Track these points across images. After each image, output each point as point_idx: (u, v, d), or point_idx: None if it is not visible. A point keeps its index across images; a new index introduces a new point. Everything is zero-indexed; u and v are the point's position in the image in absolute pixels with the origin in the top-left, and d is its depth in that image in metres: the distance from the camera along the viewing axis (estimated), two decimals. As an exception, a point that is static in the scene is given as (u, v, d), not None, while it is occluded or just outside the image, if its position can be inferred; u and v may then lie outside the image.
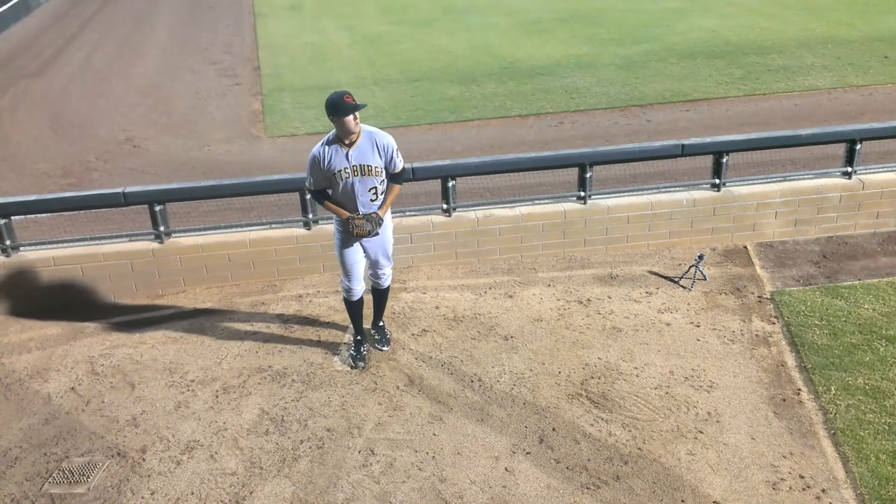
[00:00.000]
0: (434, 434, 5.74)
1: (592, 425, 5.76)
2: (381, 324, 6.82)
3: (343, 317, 7.19)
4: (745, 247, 8.33)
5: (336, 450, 5.63)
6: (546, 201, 8.26)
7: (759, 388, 6.11)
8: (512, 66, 16.60)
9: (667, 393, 6.07)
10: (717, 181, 8.26)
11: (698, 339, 6.74)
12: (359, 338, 6.62)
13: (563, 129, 12.83)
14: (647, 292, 7.51)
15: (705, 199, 8.24)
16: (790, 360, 6.43)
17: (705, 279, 7.64)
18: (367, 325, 6.79)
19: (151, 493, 5.32)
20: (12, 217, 7.64)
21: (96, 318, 7.51)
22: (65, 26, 24.48)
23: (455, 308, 7.35)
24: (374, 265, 6.41)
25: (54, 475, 5.53)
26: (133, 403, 6.24)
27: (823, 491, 5.13)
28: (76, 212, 7.98)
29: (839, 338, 6.64)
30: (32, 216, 7.98)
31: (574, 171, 8.14)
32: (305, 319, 7.29)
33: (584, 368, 6.39)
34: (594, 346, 6.68)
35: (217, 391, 6.33)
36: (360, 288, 6.41)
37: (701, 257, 7.61)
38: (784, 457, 5.41)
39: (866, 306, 7.09)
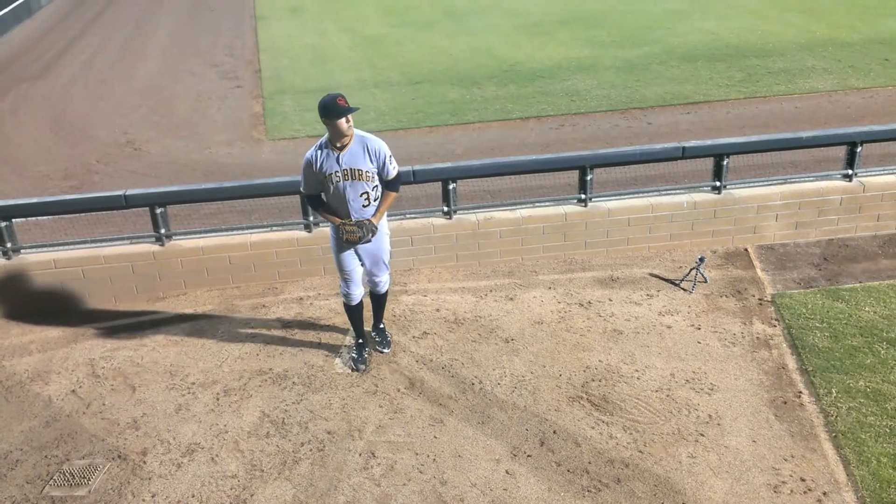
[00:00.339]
0: (435, 437, 5.74)
1: (593, 428, 5.76)
2: (381, 326, 6.82)
3: (344, 319, 7.18)
4: (746, 249, 8.33)
5: (337, 452, 5.63)
6: (547, 204, 8.26)
7: (760, 390, 6.10)
8: (513, 69, 16.62)
9: (668, 396, 6.06)
10: (718, 184, 8.26)
11: (699, 342, 6.73)
12: (360, 341, 6.62)
13: (564, 131, 12.84)
14: (647, 295, 7.50)
15: (706, 202, 8.24)
16: (791, 362, 6.43)
17: (706, 282, 7.64)
18: (367, 327, 6.80)
19: (152, 496, 5.32)
20: (13, 219, 7.65)
21: (97, 321, 7.52)
22: (66, 28, 24.52)
23: (456, 311, 7.35)
24: (369, 273, 6.40)
25: (55, 478, 5.53)
26: (134, 406, 6.24)
27: (825, 494, 5.12)
28: (77, 214, 8.00)
29: (840, 340, 6.64)
30: (33, 219, 8.00)
31: (575, 174, 8.15)
32: (306, 322, 7.29)
33: (584, 371, 6.39)
34: (595, 348, 6.68)
35: (218, 394, 6.33)
36: (358, 292, 6.41)
37: (702, 260, 7.61)
38: (785, 460, 5.41)
39: (867, 309, 7.09)
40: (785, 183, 8.44)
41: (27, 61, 20.25)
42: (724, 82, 14.93)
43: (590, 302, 7.42)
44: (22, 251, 7.73)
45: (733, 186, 8.36)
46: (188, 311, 7.60)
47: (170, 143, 13.40)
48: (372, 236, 6.07)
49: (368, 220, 6.01)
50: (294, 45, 20.34)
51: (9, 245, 7.62)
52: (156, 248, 7.77)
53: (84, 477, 5.52)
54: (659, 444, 5.58)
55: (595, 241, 8.23)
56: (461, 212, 8.13)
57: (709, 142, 8.47)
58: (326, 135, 5.89)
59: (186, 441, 5.81)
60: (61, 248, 7.80)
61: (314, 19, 23.94)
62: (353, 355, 6.59)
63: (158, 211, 7.67)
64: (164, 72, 18.55)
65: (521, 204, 8.24)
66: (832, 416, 5.78)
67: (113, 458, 5.67)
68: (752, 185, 8.42)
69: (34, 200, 7.98)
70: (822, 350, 6.52)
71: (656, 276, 7.84)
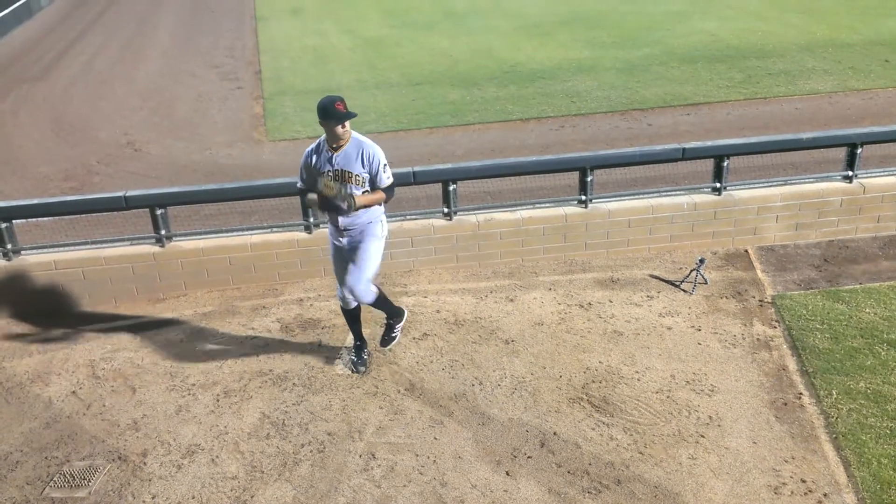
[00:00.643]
0: (435, 438, 5.74)
1: (594, 429, 5.76)
2: (359, 343, 6.64)
3: (343, 320, 7.18)
4: (747, 250, 8.33)
5: (337, 454, 5.63)
6: (547, 205, 8.27)
7: (760, 392, 6.10)
8: (513, 70, 16.62)
9: (668, 397, 6.06)
10: (718, 185, 8.26)
11: (699, 343, 6.73)
12: (358, 343, 6.61)
13: (564, 132, 12.84)
14: (648, 296, 7.50)
15: (706, 203, 8.24)
16: (791, 363, 6.43)
17: (706, 283, 7.64)
18: (367, 329, 6.79)
19: (152, 497, 5.32)
20: (14, 220, 7.65)
21: (97, 322, 7.52)
22: (67, 30, 24.53)
23: (456, 312, 7.35)
24: (346, 281, 6.12)
25: (55, 479, 5.53)
26: (134, 407, 6.24)
27: (825, 495, 5.12)
28: (77, 215, 8.00)
29: (840, 342, 6.63)
30: (34, 220, 8.00)
31: (575, 175, 8.15)
32: (306, 323, 7.29)
33: (585, 372, 6.38)
34: (595, 349, 6.68)
35: (218, 395, 6.33)
36: (351, 297, 6.36)
37: (702, 261, 7.61)
38: (786, 461, 5.40)
39: (867, 310, 7.08)
40: (785, 184, 8.44)
41: (28, 62, 20.26)
42: (725, 83, 14.93)
43: (590, 303, 7.42)
44: (22, 252, 7.73)
45: (733, 188, 8.36)
46: (188, 312, 7.60)
47: (170, 144, 13.40)
48: (346, 205, 5.74)
49: (352, 194, 5.78)
50: (294, 46, 20.34)
51: (9, 246, 7.62)
52: (156, 249, 7.77)
53: (84, 478, 5.51)
54: (659, 445, 5.58)
55: (595, 243, 8.23)
56: (461, 213, 8.14)
57: (709, 143, 8.48)
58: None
59: (187, 442, 5.81)
60: (62, 249, 7.80)
61: (314, 20, 23.95)
62: (353, 358, 6.59)
63: (159, 212, 7.67)
64: (164, 73, 18.56)
65: (522, 205, 8.24)
66: (833, 417, 5.77)
67: (113, 460, 5.67)
68: (752, 186, 8.42)
69: (35, 201, 7.99)
70: (822, 351, 6.52)
71: (657, 278, 7.84)
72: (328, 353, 6.79)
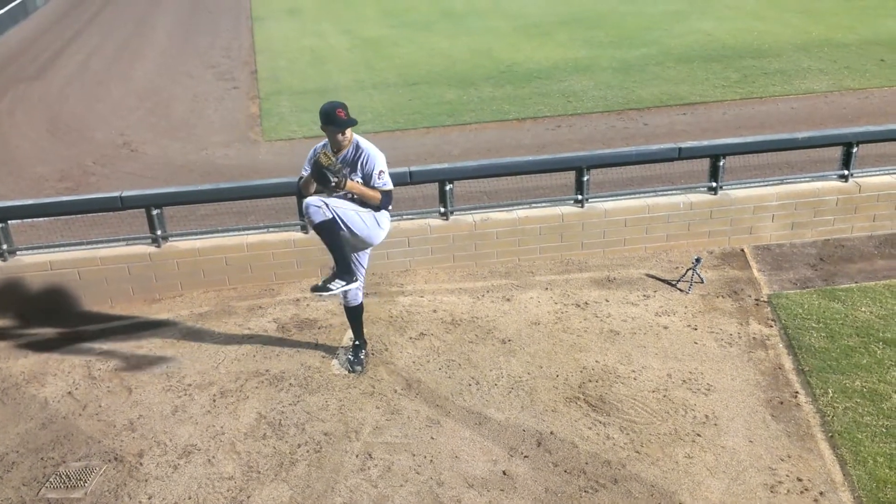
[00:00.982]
0: (432, 437, 5.74)
1: (590, 428, 5.76)
2: (356, 343, 6.61)
3: (342, 320, 7.18)
4: (742, 250, 8.34)
5: (334, 454, 5.63)
6: (543, 205, 8.27)
7: (756, 390, 6.11)
8: (510, 70, 16.63)
9: (664, 396, 6.07)
10: (714, 184, 8.27)
11: (696, 343, 6.74)
12: (357, 343, 6.61)
13: (561, 132, 12.85)
14: (644, 295, 7.51)
15: (702, 203, 8.25)
16: (787, 362, 6.43)
17: (702, 282, 7.65)
18: (367, 328, 6.78)
19: (149, 498, 5.31)
20: (9, 221, 7.63)
21: (93, 323, 7.51)
22: (62, 30, 24.49)
23: (453, 311, 7.35)
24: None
25: (51, 480, 5.52)
26: (130, 408, 6.23)
27: (821, 494, 5.13)
28: (73, 216, 7.98)
29: (836, 341, 6.65)
30: (29, 220, 7.98)
31: (571, 175, 8.15)
32: (303, 323, 7.28)
33: (581, 372, 6.39)
34: (592, 349, 6.68)
35: (214, 395, 6.32)
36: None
37: (698, 260, 7.62)
38: (782, 459, 5.41)
39: (863, 309, 7.10)
40: (781, 183, 8.46)
41: (24, 62, 20.23)
42: (721, 83, 14.96)
43: (586, 303, 7.42)
44: (18, 253, 7.71)
45: (729, 187, 8.37)
46: (184, 312, 7.59)
47: (166, 144, 13.38)
48: (335, 180, 5.55)
49: (347, 175, 5.64)
50: (291, 47, 20.33)
51: (4, 247, 7.60)
52: (152, 249, 7.76)
53: (80, 479, 5.50)
54: (656, 444, 5.58)
55: (592, 242, 8.23)
56: (458, 213, 8.14)
57: (705, 142, 8.49)
58: None
59: (183, 443, 5.80)
60: (57, 249, 7.79)
61: (312, 21, 23.94)
62: (350, 357, 6.59)
63: (155, 212, 7.66)
64: (161, 73, 18.54)
65: (518, 205, 8.25)
66: (829, 416, 5.78)
67: (109, 460, 5.66)
68: (748, 185, 8.44)
69: (30, 202, 7.97)
70: (818, 350, 6.53)
71: (653, 277, 7.85)
72: (325, 353, 6.79)
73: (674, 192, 8.42)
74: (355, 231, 5.85)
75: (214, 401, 6.25)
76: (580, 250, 8.25)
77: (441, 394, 6.20)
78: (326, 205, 5.69)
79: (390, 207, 5.98)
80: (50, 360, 6.92)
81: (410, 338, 6.95)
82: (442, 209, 8.06)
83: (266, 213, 8.58)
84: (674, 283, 7.70)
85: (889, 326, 6.80)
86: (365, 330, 6.74)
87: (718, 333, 6.86)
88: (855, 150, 8.31)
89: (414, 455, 5.58)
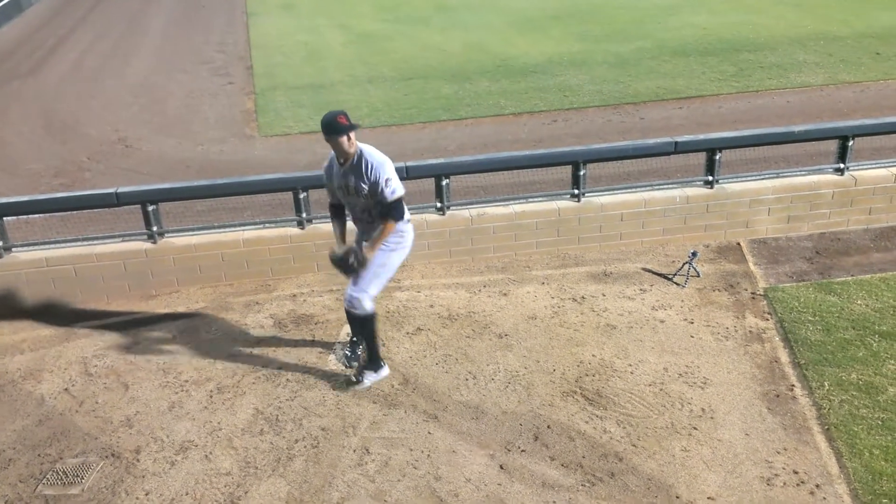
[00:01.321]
0: (429, 432, 5.74)
1: (587, 423, 5.77)
2: (353, 339, 6.54)
3: (337, 316, 7.19)
4: (739, 243, 8.35)
5: (331, 449, 5.63)
6: (540, 199, 8.27)
7: (752, 384, 6.12)
8: (505, 65, 16.60)
9: (661, 390, 6.08)
10: (711, 178, 8.28)
11: (692, 336, 6.75)
12: (354, 339, 6.60)
13: (557, 126, 12.84)
14: (640, 289, 7.52)
15: (698, 196, 8.26)
16: (784, 356, 6.45)
17: (699, 276, 7.66)
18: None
19: (146, 494, 5.31)
20: (5, 218, 7.60)
21: (89, 319, 7.49)
22: (57, 26, 24.38)
23: (449, 306, 7.35)
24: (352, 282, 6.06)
25: (48, 476, 5.51)
26: (127, 404, 6.23)
27: (817, 486, 5.15)
28: (69, 212, 7.95)
29: (832, 334, 6.66)
30: (25, 217, 7.95)
31: (568, 169, 8.15)
32: (300, 319, 7.28)
33: (578, 366, 6.40)
34: (588, 343, 6.69)
35: (211, 391, 6.32)
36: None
37: (694, 254, 7.63)
38: (778, 452, 5.43)
39: (859, 302, 7.12)
40: (777, 177, 8.47)
41: (18, 59, 20.14)
42: (716, 77, 14.96)
43: (583, 297, 7.43)
44: (13, 249, 7.69)
45: (726, 181, 8.38)
46: (181, 308, 7.58)
47: (162, 140, 13.34)
48: (358, 266, 5.74)
49: (358, 250, 5.74)
50: (286, 42, 20.27)
51: (0, 243, 7.58)
52: (148, 245, 7.75)
53: (77, 475, 5.50)
54: (652, 437, 5.60)
55: (588, 237, 8.24)
56: (454, 207, 8.13)
57: (701, 136, 8.48)
58: None
59: (180, 439, 5.80)
60: (53, 246, 7.77)
61: (307, 16, 23.87)
62: (346, 352, 6.58)
63: (150, 208, 7.64)
64: (155, 69, 18.47)
65: (515, 199, 8.25)
66: (825, 408, 5.80)
67: (106, 457, 5.66)
68: (744, 179, 8.45)
69: (25, 198, 7.92)
70: (814, 343, 6.54)
71: (649, 271, 7.86)
72: (321, 349, 6.78)
73: (670, 186, 8.42)
74: (397, 268, 6.10)
75: (211, 397, 6.25)
76: (577, 245, 8.25)
77: (438, 389, 6.21)
78: (365, 291, 5.91)
79: (405, 214, 5.88)
80: (46, 357, 6.91)
81: (407, 333, 6.95)
82: (438, 204, 8.06)
83: (262, 208, 8.56)
84: (670, 276, 7.71)
85: (885, 319, 6.83)
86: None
87: (715, 327, 6.87)
88: (851, 143, 8.32)
89: (411, 450, 5.58)
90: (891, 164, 8.58)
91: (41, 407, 6.26)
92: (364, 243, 5.95)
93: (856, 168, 8.50)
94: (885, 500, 5.00)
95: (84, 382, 6.53)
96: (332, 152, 5.84)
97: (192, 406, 6.15)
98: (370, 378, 6.26)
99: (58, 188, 11.16)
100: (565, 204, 8.16)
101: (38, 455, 5.72)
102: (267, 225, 8.02)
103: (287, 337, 7.00)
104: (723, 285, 7.54)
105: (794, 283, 7.52)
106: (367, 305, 6.02)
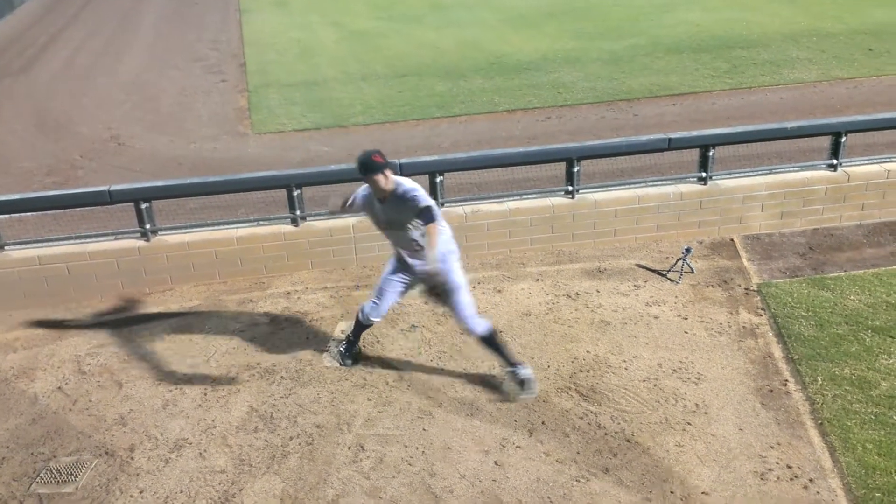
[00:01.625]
0: (424, 429, 5.74)
1: (582, 418, 5.78)
2: (350, 337, 6.48)
3: (331, 313, 7.19)
4: (732, 239, 8.37)
5: (326, 446, 5.63)
6: (534, 196, 8.27)
7: (746, 379, 6.14)
8: (499, 62, 16.59)
9: (655, 385, 6.09)
10: (704, 174, 8.30)
11: (686, 332, 6.77)
12: (352, 339, 6.54)
13: (551, 123, 12.84)
14: (634, 286, 7.53)
15: (692, 193, 8.27)
16: (777, 351, 6.47)
17: (692, 272, 7.67)
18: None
19: (140, 492, 5.30)
20: (-4, 216, 7.58)
21: (83, 318, 7.47)
22: (49, 24, 24.26)
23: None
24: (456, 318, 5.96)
25: (42, 475, 5.50)
26: (121, 402, 6.21)
27: (811, 480, 5.17)
28: (61, 210, 7.92)
29: (825, 329, 6.69)
30: (17, 215, 7.91)
31: (562, 166, 8.15)
32: (294, 316, 7.27)
33: (572, 362, 6.40)
34: (583, 339, 6.70)
35: (205, 389, 6.30)
36: (375, 319, 6.23)
37: (688, 250, 7.64)
38: (771, 447, 5.45)
39: (852, 297, 7.14)
40: (770, 173, 8.49)
41: (10, 57, 20.02)
42: (710, 73, 14.97)
43: (577, 293, 7.43)
44: (6, 248, 7.66)
45: (719, 177, 8.39)
46: (174, 306, 7.56)
47: (154, 137, 13.29)
48: (440, 277, 5.62)
49: (433, 272, 5.47)
50: (279, 39, 20.21)
51: (-8, 242, 7.56)
52: (141, 243, 7.72)
53: (71, 474, 5.48)
54: (647, 433, 5.61)
55: (582, 233, 8.24)
56: (449, 204, 8.13)
57: (695, 133, 8.50)
58: None
59: (174, 436, 5.79)
60: (46, 244, 7.73)
61: (300, 13, 23.80)
62: (342, 350, 6.57)
63: (143, 206, 7.62)
64: (148, 66, 18.40)
65: (509, 196, 8.25)
66: (818, 403, 5.82)
67: (100, 455, 5.64)
68: (737, 175, 8.46)
69: (18, 196, 7.88)
70: (807, 338, 6.57)
71: (643, 267, 7.87)
72: (316, 346, 6.78)
73: (664, 182, 8.43)
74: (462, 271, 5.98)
75: (206, 394, 6.24)
76: (571, 241, 8.26)
77: (433, 385, 6.21)
78: (467, 318, 5.88)
79: (441, 219, 5.70)
80: (40, 356, 6.89)
81: (402, 330, 6.95)
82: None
83: (255, 206, 8.54)
84: (664, 273, 7.72)
85: (877, 314, 6.85)
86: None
87: (708, 323, 6.89)
88: (844, 139, 8.35)
89: (406, 446, 5.58)
90: (883, 160, 8.62)
91: (34, 405, 6.24)
92: (421, 261, 5.74)
93: (848, 164, 8.52)
94: (878, 494, 5.02)
95: (77, 381, 6.51)
96: (367, 187, 5.73)
97: (186, 404, 6.14)
98: (524, 373, 6.02)
99: (50, 186, 11.10)
100: (559, 200, 8.16)
101: (32, 454, 5.70)
102: (261, 222, 8.00)
103: (281, 334, 6.99)
104: (716, 281, 7.56)
105: (788, 279, 7.54)
106: (479, 328, 5.95)
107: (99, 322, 7.38)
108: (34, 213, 7.98)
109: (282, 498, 5.19)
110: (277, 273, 7.97)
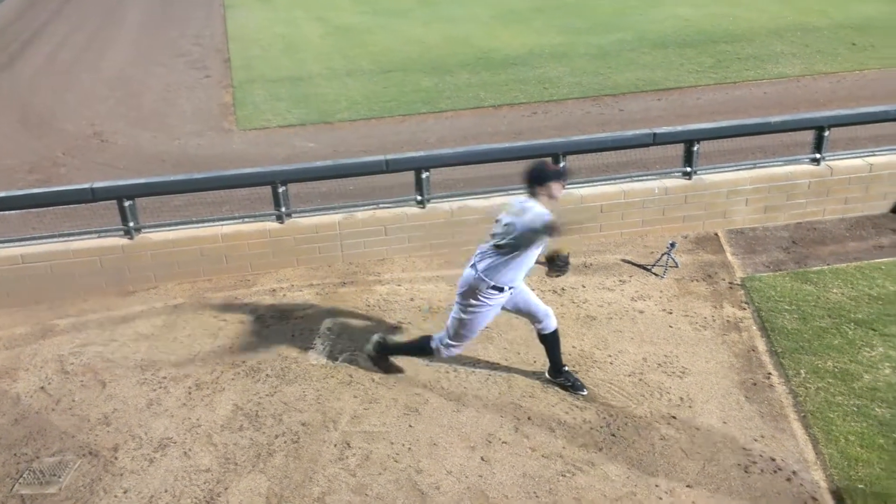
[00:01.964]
0: (410, 426, 5.74)
1: (567, 413, 5.80)
2: (564, 369, 6.15)
3: (317, 310, 7.17)
4: (716, 234, 8.41)
5: (311, 444, 5.61)
6: (520, 192, 8.23)
7: (730, 372, 6.18)
8: (486, 57, 16.57)
9: (640, 380, 6.12)
10: (689, 169, 8.33)
11: (671, 326, 6.80)
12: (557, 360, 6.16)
13: (537, 119, 12.84)
14: (620, 280, 7.55)
15: (677, 188, 8.30)
16: (761, 344, 6.51)
17: (677, 266, 7.70)
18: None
19: (124, 492, 5.27)
20: (-23, 214, 7.50)
21: (65, 316, 7.40)
22: (31, 19, 24.00)
23: (430, 300, 7.34)
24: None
25: (25, 476, 5.45)
26: (104, 402, 6.17)
27: (794, 473, 5.21)
28: (44, 208, 7.85)
29: (809, 322, 6.73)
30: (-1, 213, 7.84)
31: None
32: (279, 314, 7.24)
33: (558, 357, 6.41)
34: (568, 334, 6.71)
35: (190, 387, 6.27)
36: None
37: (673, 245, 7.67)
38: (755, 440, 5.48)
39: (835, 291, 7.20)
40: (754, 168, 8.53)
41: (-10, 53, 19.81)
42: (695, 68, 15.02)
43: (563, 288, 7.45)
44: (-13, 247, 7.58)
45: (704, 172, 8.43)
46: (159, 304, 7.51)
47: (138, 134, 13.19)
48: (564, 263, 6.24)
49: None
50: (264, 35, 20.09)
51: (-27, 240, 7.48)
52: (125, 241, 7.66)
53: (55, 474, 5.44)
54: (632, 427, 5.63)
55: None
56: (435, 201, 8.11)
57: (679, 128, 8.52)
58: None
59: (158, 436, 5.75)
60: (28, 242, 7.66)
61: (284, 8, 23.67)
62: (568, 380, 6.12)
63: (127, 203, 7.56)
64: (131, 62, 18.24)
65: (495, 192, 8.23)
66: (801, 396, 5.87)
67: (84, 455, 5.60)
68: (722, 170, 8.50)
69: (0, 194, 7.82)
70: (790, 332, 6.61)
71: (629, 262, 7.89)
72: (301, 344, 6.75)
73: (649, 177, 8.45)
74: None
75: (190, 393, 6.20)
76: (556, 236, 8.25)
77: (419, 382, 6.20)
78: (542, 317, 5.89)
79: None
80: (22, 355, 6.82)
81: (388, 326, 6.93)
82: (419, 197, 8.04)
83: (241, 203, 8.49)
84: (649, 267, 7.75)
85: (860, 307, 6.91)
86: (352, 322, 6.68)
87: (693, 317, 6.92)
88: (827, 133, 8.40)
89: (392, 443, 5.58)
90: (866, 154, 8.68)
91: (17, 406, 6.18)
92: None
93: (832, 158, 8.58)
94: (860, 486, 5.07)
95: (60, 380, 6.46)
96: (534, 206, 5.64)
97: (171, 403, 6.11)
98: (568, 377, 6.07)
99: (33, 184, 10.99)
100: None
101: (15, 454, 5.65)
102: (246, 219, 7.95)
103: (267, 332, 6.97)
104: (701, 275, 7.59)
105: (771, 273, 7.58)
106: (551, 318, 5.94)
107: (82, 321, 7.32)
108: (17, 212, 7.90)
109: (267, 496, 5.18)
110: (263, 270, 7.94)
